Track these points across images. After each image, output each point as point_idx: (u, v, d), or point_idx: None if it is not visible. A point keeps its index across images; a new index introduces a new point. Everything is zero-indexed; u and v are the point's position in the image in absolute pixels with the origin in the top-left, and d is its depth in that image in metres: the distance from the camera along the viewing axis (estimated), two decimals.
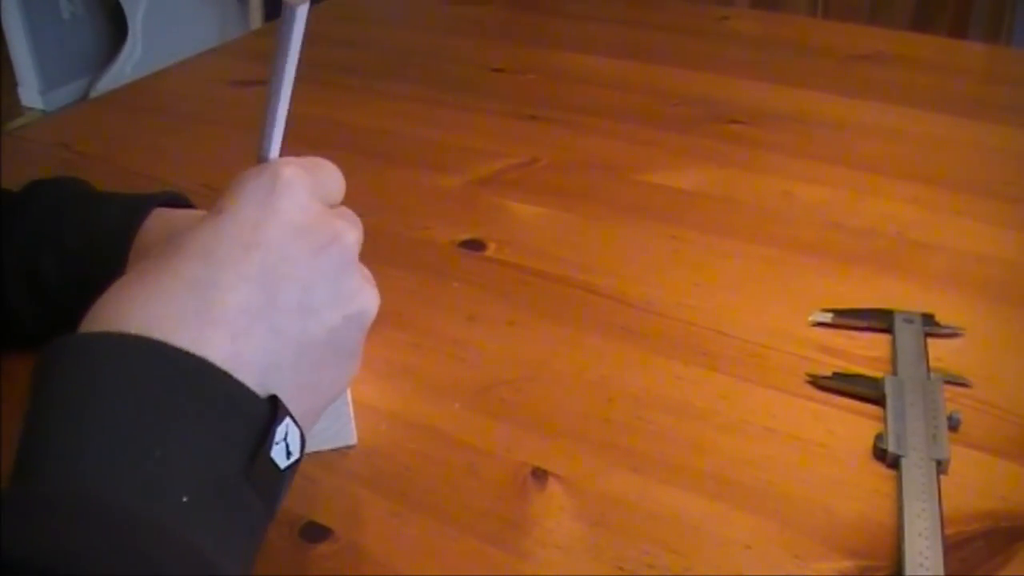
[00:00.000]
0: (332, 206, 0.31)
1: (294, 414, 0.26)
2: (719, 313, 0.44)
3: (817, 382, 0.39)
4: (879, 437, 0.35)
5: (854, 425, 0.37)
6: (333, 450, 0.36)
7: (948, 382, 0.38)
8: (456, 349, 0.42)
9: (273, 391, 0.26)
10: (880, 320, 0.42)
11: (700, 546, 0.32)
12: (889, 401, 0.37)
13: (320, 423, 0.35)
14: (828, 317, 0.42)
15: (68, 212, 0.40)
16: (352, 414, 0.36)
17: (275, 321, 0.26)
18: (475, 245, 0.50)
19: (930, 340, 0.41)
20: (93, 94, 2.21)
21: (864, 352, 0.41)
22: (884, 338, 0.42)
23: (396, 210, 0.54)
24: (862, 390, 0.38)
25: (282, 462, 0.26)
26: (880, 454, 0.35)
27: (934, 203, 0.53)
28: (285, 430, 0.26)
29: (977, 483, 0.34)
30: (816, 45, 0.77)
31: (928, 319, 0.42)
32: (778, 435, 0.36)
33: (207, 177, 0.57)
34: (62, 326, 0.40)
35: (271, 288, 0.26)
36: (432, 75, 0.74)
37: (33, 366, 0.25)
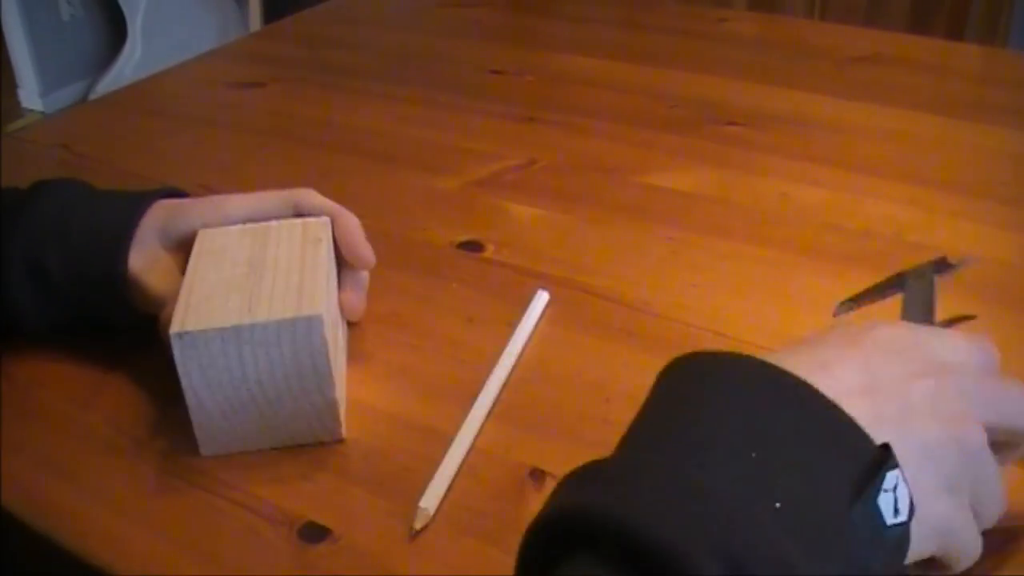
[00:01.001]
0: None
1: None
2: (716, 314, 0.44)
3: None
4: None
5: None
6: (330, 449, 0.36)
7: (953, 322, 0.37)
8: (454, 350, 0.42)
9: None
10: (894, 285, 0.40)
11: None
12: None
13: (309, 414, 0.35)
14: (850, 308, 0.40)
15: (73, 209, 0.40)
16: (340, 409, 0.36)
17: (877, 401, 0.26)
18: (473, 246, 0.50)
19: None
20: (93, 96, 2.20)
21: None
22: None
23: (395, 211, 0.54)
24: None
25: (888, 516, 0.24)
26: None
27: (931, 204, 0.53)
28: (895, 482, 0.24)
29: None
30: (813, 47, 0.77)
31: (940, 264, 0.40)
32: None
33: (206, 178, 0.57)
34: (63, 321, 0.40)
35: (873, 375, 0.27)
36: (430, 77, 0.74)
37: (672, 365, 0.28)
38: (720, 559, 0.20)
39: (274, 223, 0.40)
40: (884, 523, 0.24)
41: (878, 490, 0.24)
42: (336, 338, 0.38)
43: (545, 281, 0.47)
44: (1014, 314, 0.44)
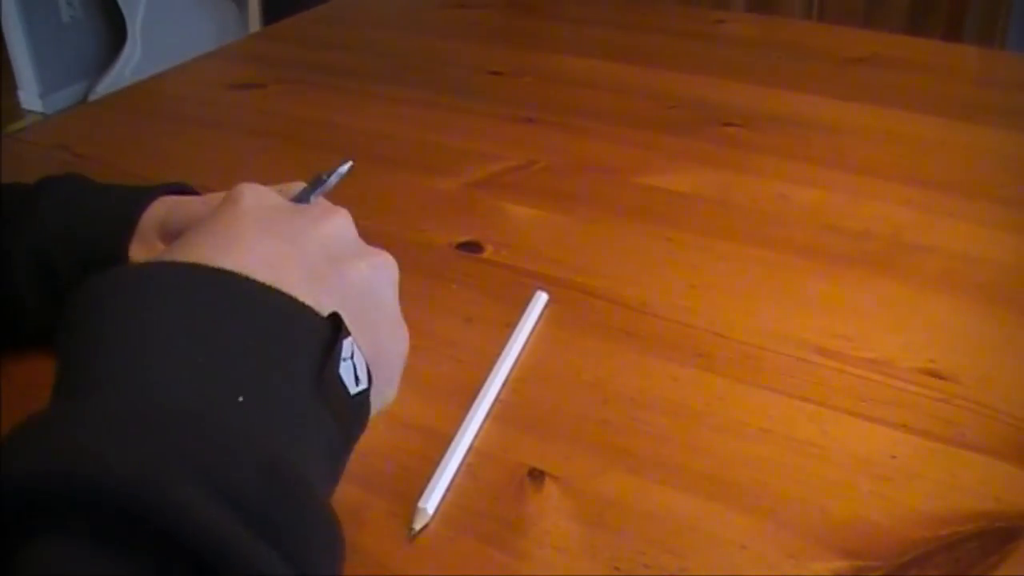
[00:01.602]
0: None
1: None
2: (714, 315, 0.44)
3: None
4: None
5: (849, 426, 0.37)
6: None
7: None
8: (453, 350, 0.42)
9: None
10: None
11: (696, 546, 0.32)
12: None
13: None
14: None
15: (79, 202, 0.41)
16: None
17: (308, 265, 0.26)
18: (472, 247, 0.50)
19: (911, 344, 0.41)
20: (92, 97, 2.21)
21: (861, 354, 0.41)
22: (882, 338, 0.42)
23: (394, 212, 0.54)
24: None
25: (351, 386, 0.24)
26: None
27: (928, 205, 0.53)
28: (351, 348, 0.24)
29: (971, 484, 0.34)
30: (811, 48, 0.77)
31: (315, 184, 0.38)
32: (773, 436, 0.37)
33: (206, 179, 0.57)
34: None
35: (295, 243, 0.26)
36: (430, 78, 0.74)
37: (71, 299, 0.23)
38: (198, 482, 0.18)
39: None
40: (349, 394, 0.24)
41: (338, 361, 0.24)
42: None
43: (544, 282, 0.47)
44: (1012, 314, 0.44)
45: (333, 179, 0.37)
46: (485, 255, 0.50)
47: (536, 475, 0.35)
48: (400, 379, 0.30)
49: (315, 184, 0.36)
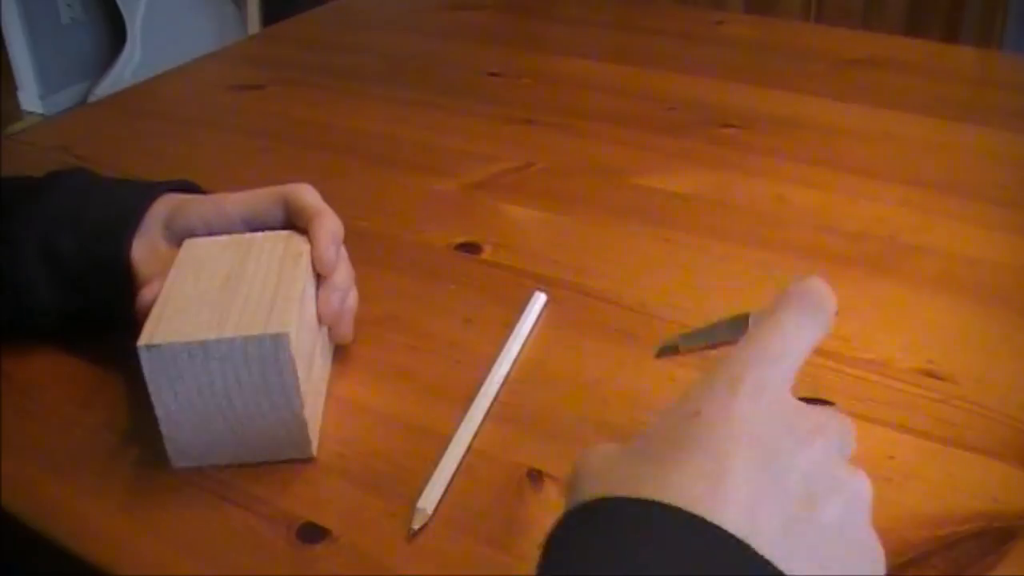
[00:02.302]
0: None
1: None
2: (712, 315, 0.44)
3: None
4: None
5: None
6: (328, 450, 0.36)
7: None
8: (452, 351, 0.42)
9: None
10: (733, 331, 0.36)
11: None
12: None
13: (278, 431, 0.35)
14: (673, 352, 0.37)
15: (88, 195, 0.41)
16: (313, 426, 0.36)
17: (785, 506, 0.23)
18: (471, 248, 0.50)
19: (909, 345, 0.41)
20: (92, 98, 2.21)
21: (859, 354, 0.41)
22: (880, 338, 0.42)
23: (392, 213, 0.54)
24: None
25: None
26: None
27: (926, 206, 0.53)
28: None
29: (969, 484, 0.34)
30: (809, 49, 0.77)
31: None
32: None
33: (205, 181, 0.57)
34: (72, 309, 0.41)
35: (775, 474, 0.24)
36: (429, 80, 0.74)
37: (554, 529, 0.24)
38: None
39: (259, 236, 0.39)
40: None
41: None
42: (312, 353, 0.37)
43: (542, 282, 0.47)
44: (1009, 315, 0.44)
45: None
46: (483, 256, 0.50)
47: (535, 475, 0.35)
48: None
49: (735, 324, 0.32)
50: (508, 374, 0.40)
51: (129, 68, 2.25)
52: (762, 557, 0.22)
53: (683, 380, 0.40)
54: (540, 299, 0.44)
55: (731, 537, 0.22)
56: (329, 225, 0.39)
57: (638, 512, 0.22)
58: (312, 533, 0.33)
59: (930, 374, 0.40)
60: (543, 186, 0.57)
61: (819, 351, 0.41)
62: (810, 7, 1.56)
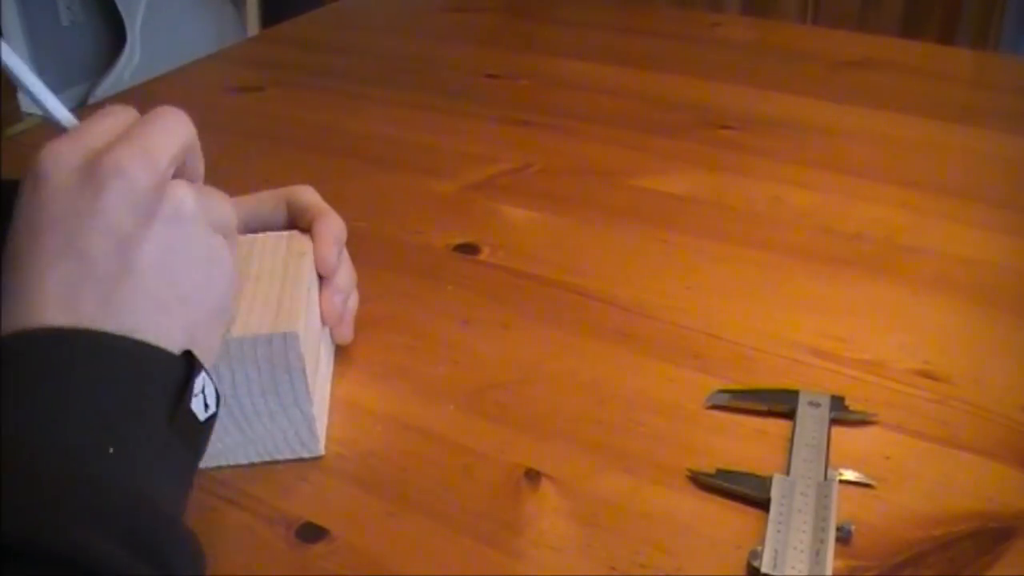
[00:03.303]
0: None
1: (180, 331, 0.27)
2: (710, 316, 0.44)
3: (699, 479, 0.34)
4: (753, 553, 0.31)
5: (844, 427, 0.37)
6: (327, 450, 0.36)
7: (849, 482, 0.34)
8: (450, 352, 0.42)
9: (155, 330, 0.26)
10: (783, 401, 0.37)
11: (691, 546, 0.32)
12: (773, 506, 0.32)
13: (287, 430, 0.35)
14: (725, 399, 0.38)
15: None
16: (319, 424, 0.36)
17: (100, 274, 0.26)
18: (469, 249, 0.51)
19: (905, 345, 0.41)
20: (92, 100, 2.21)
21: (855, 355, 0.41)
22: (876, 339, 0.42)
23: (391, 215, 0.55)
24: (746, 491, 0.33)
25: (201, 413, 0.27)
26: (753, 572, 0.30)
27: (922, 207, 0.53)
28: (202, 384, 0.27)
29: (965, 484, 0.34)
30: (806, 51, 0.78)
31: (837, 403, 0.37)
32: (769, 436, 0.37)
33: (204, 181, 0.57)
34: None
35: (83, 251, 0.26)
36: (426, 81, 0.74)
37: None
38: (86, 521, 0.22)
39: (261, 236, 0.39)
40: (200, 422, 0.27)
41: (189, 402, 0.27)
42: (318, 351, 0.37)
43: (540, 283, 0.47)
44: (1005, 316, 0.44)
45: None
46: (481, 257, 0.50)
47: (532, 475, 0.35)
48: (231, 306, 0.31)
49: None
50: None
51: (128, 70, 2.25)
52: (89, 331, 0.25)
53: (680, 380, 0.40)
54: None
55: (57, 331, 0.25)
56: (332, 225, 0.39)
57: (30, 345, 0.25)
58: (311, 533, 0.33)
59: (926, 375, 0.40)
60: (541, 187, 0.57)
61: (815, 351, 0.42)
62: (807, 9, 1.56)
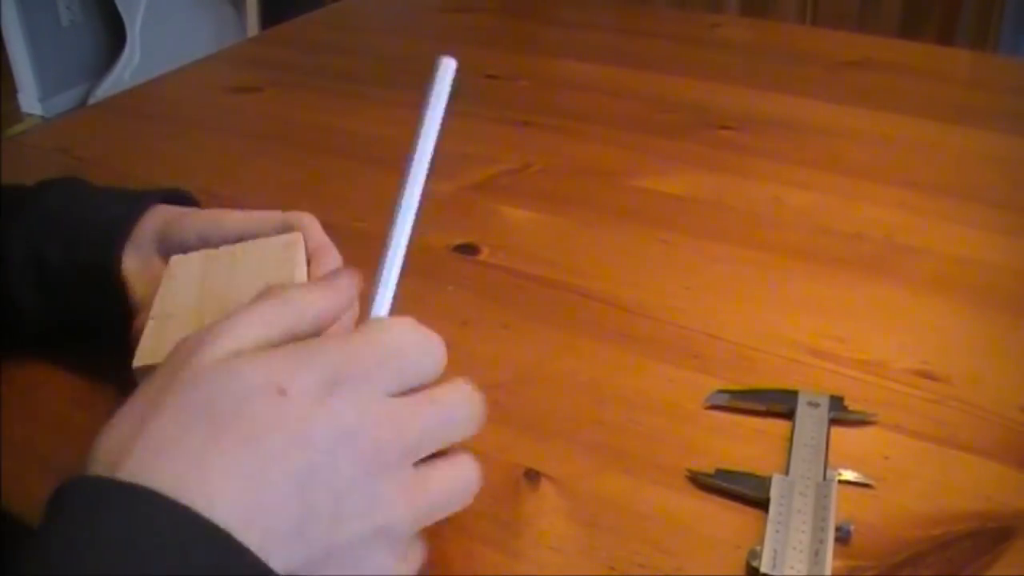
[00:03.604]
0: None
1: None
2: (709, 316, 0.44)
3: (698, 480, 0.34)
4: (752, 553, 0.31)
5: (843, 427, 0.37)
6: None
7: (848, 482, 0.34)
8: (450, 352, 0.42)
9: None
10: (782, 402, 0.37)
11: (691, 546, 0.32)
12: (772, 506, 0.32)
13: None
14: (724, 399, 0.38)
15: (76, 203, 0.41)
16: None
17: (300, 504, 0.22)
18: (468, 250, 0.51)
19: (904, 345, 0.42)
20: (92, 100, 2.21)
21: (854, 355, 0.41)
22: (875, 339, 0.42)
23: (390, 215, 0.54)
24: (745, 491, 0.33)
25: None
26: (752, 572, 0.30)
27: (921, 208, 0.53)
28: None
29: (964, 484, 0.34)
30: (805, 52, 0.78)
31: (836, 403, 0.37)
32: (769, 436, 0.37)
33: (204, 182, 0.57)
34: (64, 319, 0.41)
35: (308, 493, 0.22)
36: (426, 81, 0.74)
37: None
38: None
39: (248, 245, 0.38)
40: None
41: None
42: None
43: (540, 284, 0.47)
44: (1004, 316, 0.44)
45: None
46: (481, 257, 0.50)
47: (532, 475, 0.35)
48: None
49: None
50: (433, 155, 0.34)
51: (128, 70, 2.25)
52: (249, 552, 0.20)
53: (680, 380, 0.40)
54: (450, 66, 0.35)
55: (215, 529, 0.20)
56: (330, 264, 0.38)
57: (114, 495, 0.20)
58: None
59: (925, 375, 0.40)
60: (540, 188, 0.57)
61: (814, 352, 0.42)
62: (806, 10, 1.56)
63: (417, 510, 0.25)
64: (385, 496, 0.24)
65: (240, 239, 0.40)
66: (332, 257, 0.39)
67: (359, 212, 0.54)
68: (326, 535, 0.22)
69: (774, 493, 0.33)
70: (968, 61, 0.83)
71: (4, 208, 0.41)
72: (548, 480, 0.35)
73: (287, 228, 0.40)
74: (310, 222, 0.40)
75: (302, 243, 0.39)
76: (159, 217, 0.40)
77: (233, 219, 0.40)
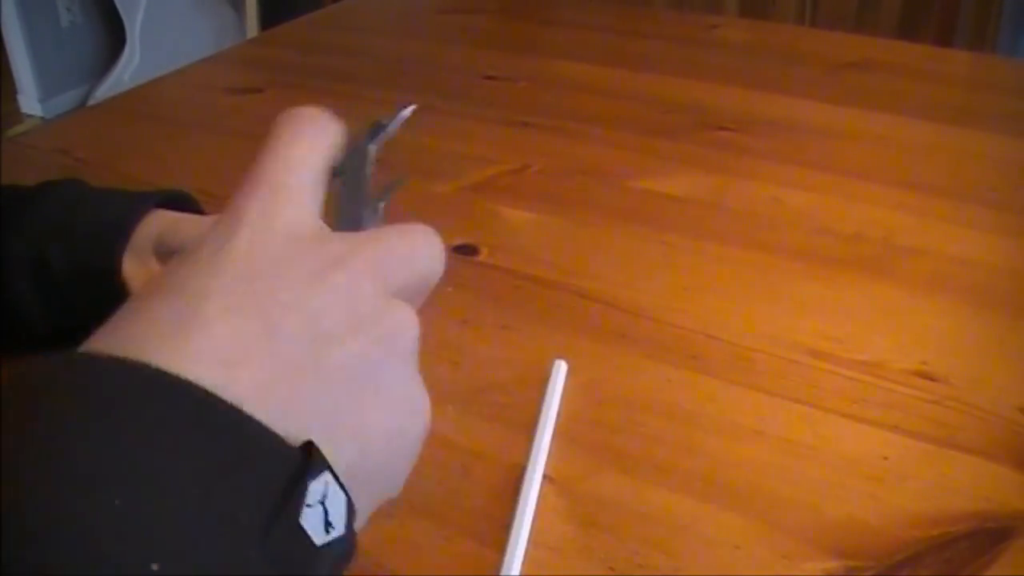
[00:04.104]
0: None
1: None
2: (708, 317, 0.44)
3: None
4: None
5: (841, 428, 0.37)
6: None
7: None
8: (450, 353, 0.42)
9: (299, 436, 0.19)
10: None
11: (689, 546, 0.32)
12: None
13: None
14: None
15: (77, 205, 0.41)
16: None
17: (282, 355, 0.20)
18: (468, 250, 0.51)
19: (902, 346, 0.42)
20: (92, 101, 2.21)
21: (853, 356, 0.41)
22: (874, 340, 0.42)
23: (391, 216, 0.55)
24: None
25: (318, 535, 0.18)
26: None
27: (920, 208, 0.54)
28: (324, 490, 0.19)
29: (962, 484, 0.34)
30: (804, 53, 0.78)
31: (375, 130, 0.32)
32: (766, 437, 0.37)
33: (204, 183, 0.57)
34: (66, 323, 0.41)
35: (267, 316, 0.20)
36: (425, 83, 0.74)
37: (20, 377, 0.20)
38: None
39: None
40: (313, 545, 0.18)
41: (299, 507, 0.18)
42: None
43: (539, 284, 0.47)
44: (1002, 317, 0.44)
45: (394, 127, 0.30)
46: (480, 258, 0.50)
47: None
48: (409, 467, 0.23)
49: (373, 133, 0.30)
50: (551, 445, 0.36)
51: (128, 71, 2.25)
52: (238, 411, 0.18)
53: (678, 381, 0.40)
54: (562, 368, 0.40)
55: (198, 390, 0.18)
56: None
57: (100, 369, 0.18)
58: None
59: (924, 375, 0.40)
60: (540, 188, 0.57)
61: (813, 352, 0.42)
62: (804, 11, 1.56)
63: (380, 270, 0.23)
64: (372, 309, 0.22)
65: None
66: None
67: None
68: (312, 356, 0.20)
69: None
70: (966, 62, 0.83)
71: (4, 210, 0.41)
72: (547, 480, 0.35)
73: None
74: None
75: None
76: (158, 221, 0.40)
77: None
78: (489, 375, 0.41)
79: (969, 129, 0.63)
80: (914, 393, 0.39)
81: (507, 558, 0.31)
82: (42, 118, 2.23)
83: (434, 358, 0.42)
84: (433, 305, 0.50)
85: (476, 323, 0.44)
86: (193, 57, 0.81)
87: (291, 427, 0.19)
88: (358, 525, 0.21)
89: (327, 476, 0.19)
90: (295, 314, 0.21)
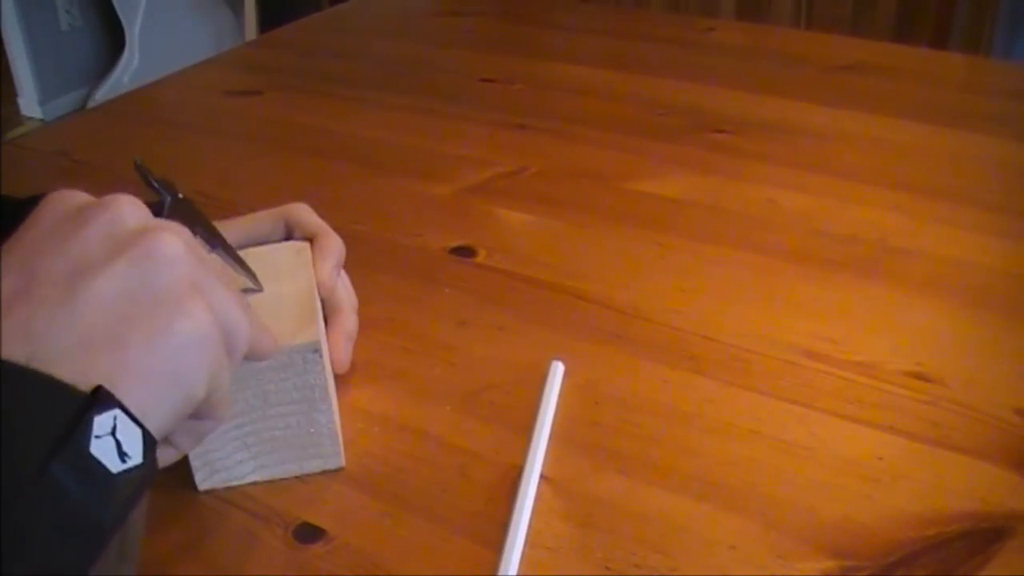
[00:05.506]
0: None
1: (99, 376, 0.22)
2: (704, 318, 0.44)
3: None
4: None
5: (836, 428, 0.38)
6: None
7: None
8: (447, 354, 0.43)
9: (71, 367, 0.22)
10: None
11: (686, 546, 0.32)
12: None
13: (306, 446, 0.35)
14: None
15: None
16: (339, 436, 0.36)
17: (40, 296, 0.23)
18: (465, 252, 0.51)
19: (897, 347, 0.42)
20: (91, 104, 2.21)
21: (848, 357, 0.42)
22: (869, 341, 0.42)
23: (388, 218, 0.55)
24: None
25: (113, 464, 0.21)
26: None
27: (915, 210, 0.54)
28: (112, 424, 0.21)
29: (957, 485, 0.35)
30: (799, 56, 0.78)
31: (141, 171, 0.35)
32: (763, 438, 0.37)
33: (203, 185, 0.58)
34: None
35: (33, 269, 0.23)
36: (423, 85, 0.74)
37: None
38: None
39: (261, 249, 0.39)
40: (110, 472, 0.21)
41: (86, 443, 0.21)
42: (329, 362, 0.37)
43: (536, 286, 0.47)
44: (997, 318, 0.44)
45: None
46: (478, 259, 0.50)
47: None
48: (203, 370, 0.25)
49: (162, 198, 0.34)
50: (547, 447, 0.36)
51: (127, 74, 2.25)
52: (8, 363, 0.21)
53: (675, 382, 0.40)
54: (559, 369, 0.41)
55: None
56: (331, 246, 0.39)
57: None
58: (308, 533, 0.33)
59: (919, 376, 0.40)
60: (537, 190, 0.58)
61: (809, 353, 0.42)
62: (800, 14, 1.56)
63: (142, 208, 0.26)
64: (126, 238, 0.25)
65: (241, 243, 0.40)
66: (332, 239, 0.39)
67: (356, 215, 0.54)
68: (70, 290, 0.23)
69: None
70: (961, 65, 0.83)
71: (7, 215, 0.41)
72: (544, 480, 0.35)
73: (285, 220, 0.40)
74: (305, 210, 0.40)
75: (310, 250, 0.39)
76: None
77: (232, 227, 0.40)
78: (486, 376, 0.41)
79: (964, 131, 0.64)
80: (909, 394, 0.39)
81: (504, 558, 0.31)
82: (42, 120, 2.23)
83: (431, 359, 0.42)
84: (430, 306, 0.51)
85: (473, 324, 0.44)
86: (192, 60, 0.81)
87: (45, 352, 0.22)
88: (166, 430, 0.24)
89: (116, 411, 0.22)
90: (53, 259, 0.24)
